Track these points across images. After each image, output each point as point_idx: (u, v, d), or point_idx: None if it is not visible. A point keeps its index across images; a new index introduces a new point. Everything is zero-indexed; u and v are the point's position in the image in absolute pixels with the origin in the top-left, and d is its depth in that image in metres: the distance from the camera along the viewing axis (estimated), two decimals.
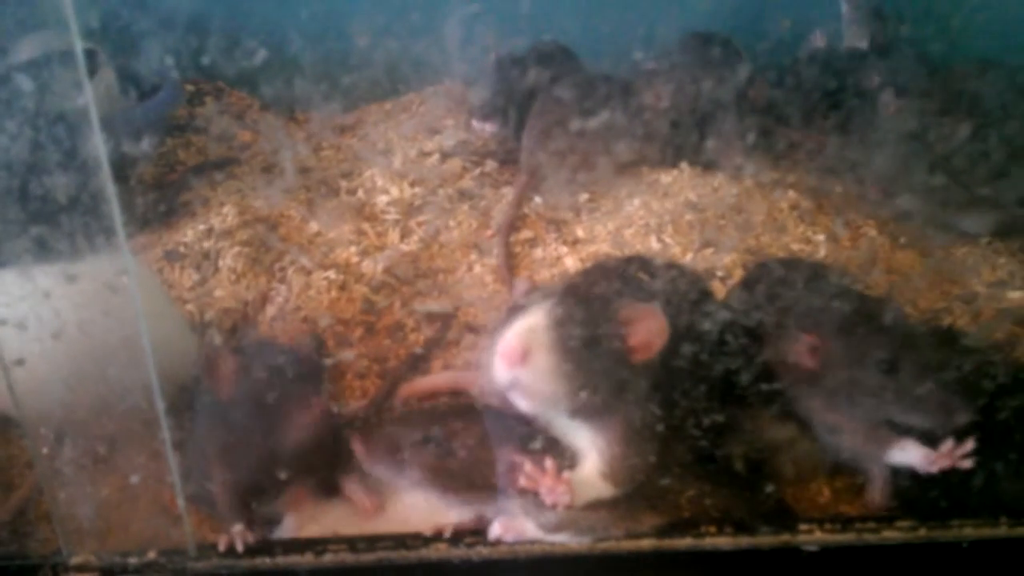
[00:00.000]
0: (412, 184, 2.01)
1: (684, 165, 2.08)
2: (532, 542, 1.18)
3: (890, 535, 1.19)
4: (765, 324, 1.27)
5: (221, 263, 1.77)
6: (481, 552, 1.19)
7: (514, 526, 1.18)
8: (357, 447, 1.22)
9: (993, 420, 1.21)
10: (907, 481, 1.23)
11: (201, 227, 1.84)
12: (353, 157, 2.16)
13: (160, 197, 1.95)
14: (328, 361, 1.22)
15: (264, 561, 1.18)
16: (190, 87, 2.36)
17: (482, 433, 1.19)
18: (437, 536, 1.20)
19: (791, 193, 1.97)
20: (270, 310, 1.70)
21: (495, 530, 1.18)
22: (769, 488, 1.27)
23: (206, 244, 1.80)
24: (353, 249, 1.83)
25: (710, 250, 1.80)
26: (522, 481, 1.11)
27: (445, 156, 2.13)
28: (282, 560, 1.18)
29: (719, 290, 1.64)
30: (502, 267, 1.81)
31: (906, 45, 2.10)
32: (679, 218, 1.89)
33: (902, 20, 2.14)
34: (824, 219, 1.92)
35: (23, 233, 1.21)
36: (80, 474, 1.23)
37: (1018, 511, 1.21)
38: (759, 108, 2.08)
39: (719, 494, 1.25)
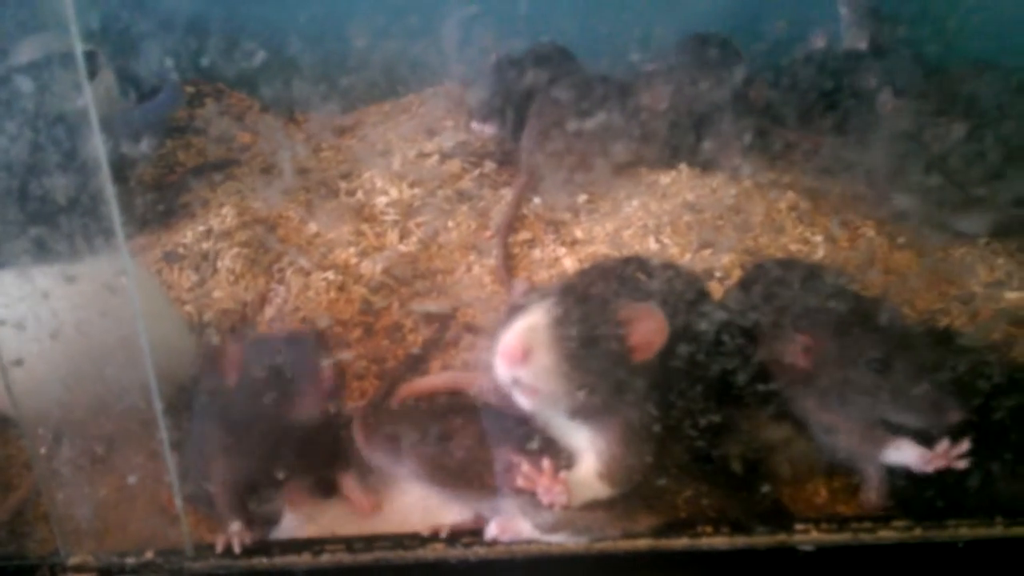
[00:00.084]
0: (411, 185, 2.01)
1: (683, 166, 2.08)
2: (529, 542, 1.18)
3: (886, 535, 1.19)
4: (762, 324, 1.27)
5: (220, 264, 1.77)
6: (478, 552, 1.19)
7: (511, 526, 1.18)
8: (358, 434, 1.22)
9: (989, 420, 1.21)
10: (903, 481, 1.24)
11: (200, 228, 1.84)
12: (352, 158, 2.16)
13: (159, 198, 1.95)
14: (326, 362, 1.21)
15: (261, 561, 1.18)
16: (190, 88, 2.36)
17: (480, 431, 1.20)
18: (434, 536, 1.20)
19: (789, 194, 1.97)
20: (269, 311, 1.71)
21: (492, 530, 1.19)
22: (765, 488, 1.27)
23: (205, 245, 1.80)
24: (352, 250, 1.84)
25: (708, 251, 1.80)
26: (519, 481, 1.11)
27: (444, 157, 2.13)
28: (279, 560, 1.18)
29: (717, 291, 1.64)
30: (501, 268, 1.81)
31: (904, 46, 2.10)
32: (677, 219, 1.89)
33: (898, 22, 2.14)
34: (822, 219, 1.92)
35: (22, 234, 1.21)
36: (78, 474, 1.23)
37: (1013, 511, 1.21)
38: (758, 109, 2.08)
39: (716, 494, 1.25)
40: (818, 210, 1.95)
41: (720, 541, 1.20)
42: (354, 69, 1.83)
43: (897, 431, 1.20)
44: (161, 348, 1.14)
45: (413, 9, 1.79)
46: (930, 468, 1.17)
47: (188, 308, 1.68)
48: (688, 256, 1.79)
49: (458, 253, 1.88)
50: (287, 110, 2.31)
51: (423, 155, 2.13)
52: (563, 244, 1.89)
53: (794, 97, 2.04)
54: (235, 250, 1.79)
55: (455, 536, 1.20)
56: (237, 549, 1.17)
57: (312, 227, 1.91)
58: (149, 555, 1.18)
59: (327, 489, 1.28)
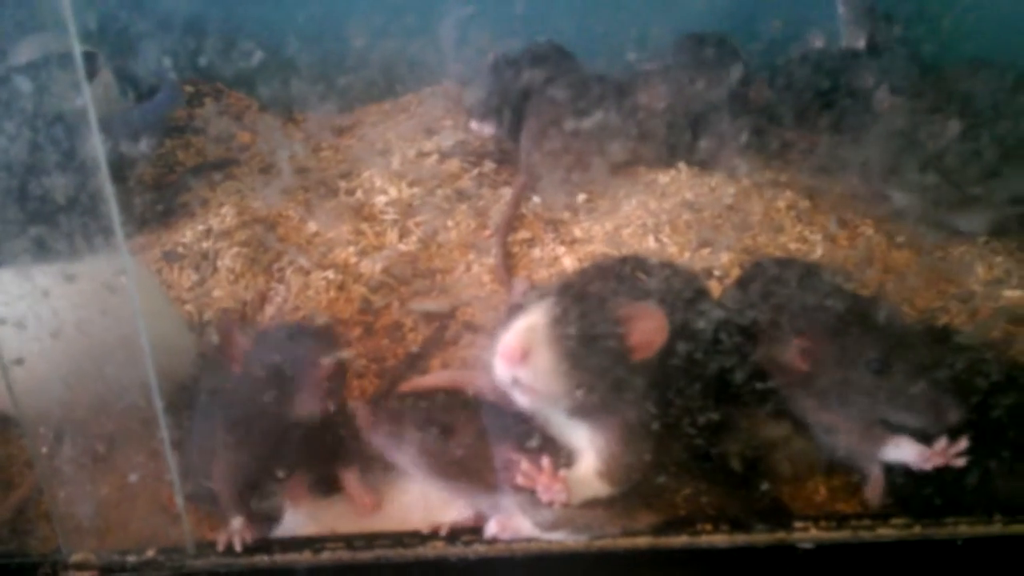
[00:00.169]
0: (410, 184, 2.02)
1: (682, 165, 2.09)
2: (529, 540, 1.19)
3: (885, 533, 1.19)
4: (760, 323, 1.27)
5: (220, 263, 1.78)
6: (478, 550, 1.19)
7: (510, 524, 1.18)
8: (363, 417, 1.22)
9: (988, 418, 1.21)
10: (902, 479, 1.24)
11: (200, 227, 1.84)
12: (351, 158, 2.16)
13: (159, 198, 1.96)
14: (328, 357, 1.21)
15: (262, 559, 1.18)
16: (189, 88, 2.36)
17: (482, 427, 1.20)
18: (434, 534, 1.20)
19: (788, 192, 1.98)
20: (269, 310, 1.71)
21: (491, 528, 1.19)
22: (765, 486, 1.27)
23: (205, 244, 1.81)
24: (351, 249, 1.84)
25: (707, 249, 1.80)
26: (519, 479, 1.12)
27: (443, 156, 2.13)
28: (280, 558, 1.19)
29: (716, 289, 1.64)
30: (500, 267, 1.81)
31: (901, 45, 2.11)
32: (677, 218, 1.90)
33: (894, 20, 2.14)
34: (821, 218, 1.93)
35: (22, 233, 1.22)
36: (79, 473, 1.23)
37: (1012, 509, 1.22)
38: (757, 108, 2.08)
39: (715, 492, 1.25)
40: (817, 209, 1.95)
41: (720, 539, 1.21)
42: (352, 69, 1.83)
43: (896, 429, 1.21)
44: (161, 347, 1.14)
45: (411, 9, 1.79)
46: (928, 466, 1.17)
47: (188, 307, 1.69)
48: (687, 255, 1.79)
49: (457, 252, 1.88)
50: (286, 110, 2.31)
51: (422, 154, 2.14)
52: (562, 243, 1.90)
53: (792, 96, 2.05)
54: (235, 249, 1.79)
55: (455, 534, 1.20)
56: (238, 547, 1.17)
57: (312, 226, 1.91)
58: (150, 553, 1.19)
59: (328, 487, 1.29)
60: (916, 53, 2.08)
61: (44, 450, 1.23)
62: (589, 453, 1.15)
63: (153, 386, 1.11)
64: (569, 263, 1.82)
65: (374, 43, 1.80)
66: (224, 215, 1.88)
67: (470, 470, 1.18)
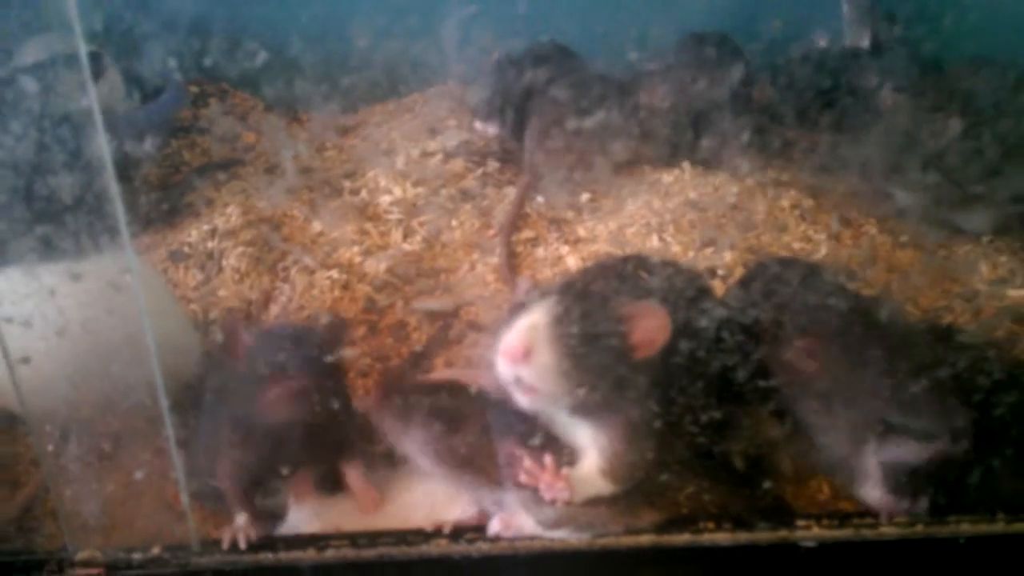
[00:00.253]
0: (415, 184, 2.02)
1: (686, 164, 2.09)
2: (532, 538, 1.19)
3: (887, 531, 1.19)
4: (763, 323, 1.28)
5: (225, 263, 1.78)
6: (481, 548, 1.19)
7: (513, 522, 1.18)
8: (373, 398, 1.22)
9: (991, 417, 1.21)
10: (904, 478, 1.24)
11: (205, 227, 1.85)
12: (356, 157, 2.17)
13: (164, 197, 1.97)
14: (329, 358, 1.22)
15: (267, 556, 1.19)
16: (194, 88, 2.37)
17: (485, 423, 1.20)
18: (438, 532, 1.21)
19: (792, 192, 1.98)
20: (273, 309, 1.72)
21: (494, 526, 1.19)
22: (767, 484, 1.28)
23: (210, 244, 1.82)
24: (356, 249, 1.84)
25: (711, 249, 1.81)
26: (522, 477, 1.12)
27: (447, 156, 2.14)
28: (284, 556, 1.19)
29: (720, 289, 1.64)
30: (504, 266, 1.82)
31: (904, 44, 2.10)
32: (680, 217, 1.90)
33: (897, 19, 2.14)
34: (825, 218, 1.92)
35: (29, 232, 1.22)
36: (85, 471, 1.24)
37: (1015, 507, 1.22)
38: (760, 107, 2.08)
39: (718, 490, 1.25)
40: (821, 208, 1.95)
41: (722, 537, 1.21)
42: (356, 69, 1.84)
43: (896, 430, 1.21)
44: (166, 346, 1.14)
45: (414, 9, 1.80)
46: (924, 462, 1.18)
47: (193, 306, 1.70)
48: (691, 254, 1.79)
49: (461, 252, 1.89)
50: (290, 110, 2.32)
51: (426, 154, 2.14)
52: (566, 242, 1.90)
53: (795, 95, 2.05)
54: (240, 249, 1.80)
55: (459, 532, 1.21)
56: (243, 545, 1.18)
57: (316, 226, 1.92)
58: (156, 550, 1.19)
59: (332, 484, 1.29)
60: (918, 52, 2.07)
61: (50, 448, 1.24)
62: (592, 451, 1.15)
63: (158, 385, 1.11)
64: (573, 262, 1.83)
65: (378, 43, 1.81)
66: (229, 215, 1.89)
67: (474, 464, 1.18)
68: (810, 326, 1.23)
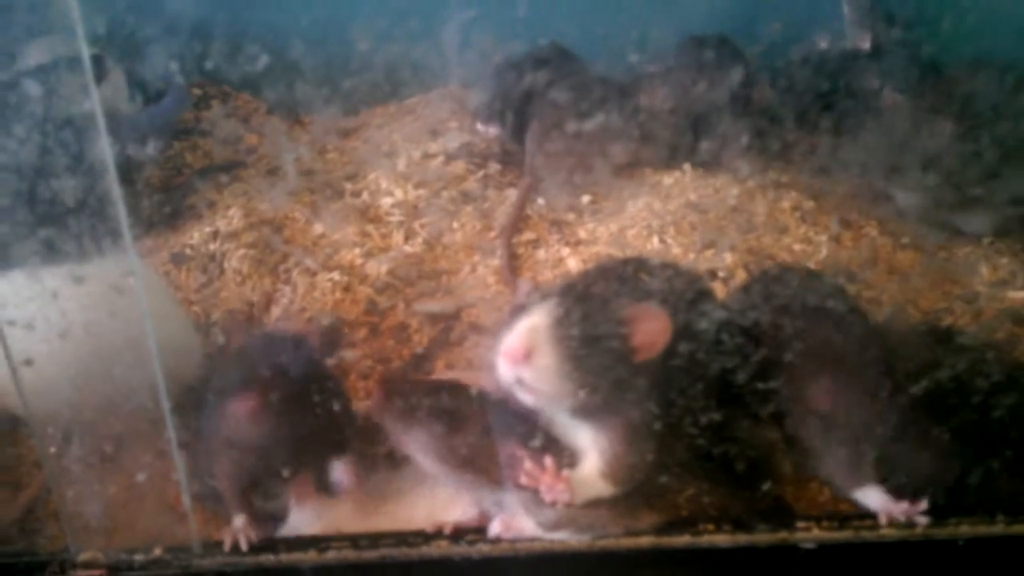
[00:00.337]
0: (416, 186, 2.02)
1: (686, 166, 2.09)
2: (532, 539, 1.19)
3: (887, 532, 1.19)
4: (764, 328, 1.28)
5: (227, 265, 1.79)
6: (481, 549, 1.20)
7: (514, 524, 1.19)
8: (375, 397, 1.22)
9: (991, 418, 1.21)
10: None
11: (207, 229, 1.86)
12: (357, 160, 2.17)
13: (166, 200, 1.97)
14: (331, 360, 1.23)
15: (268, 558, 1.19)
16: (197, 91, 2.37)
17: (486, 424, 1.20)
18: (438, 533, 1.21)
19: (792, 193, 1.98)
20: (275, 311, 1.72)
21: (495, 527, 1.20)
22: (767, 486, 1.28)
23: (212, 246, 1.82)
24: (357, 251, 1.85)
25: (711, 251, 1.81)
26: (522, 479, 1.12)
27: (449, 158, 2.14)
28: (286, 557, 1.19)
29: (720, 291, 1.65)
30: (505, 268, 1.82)
31: (904, 46, 2.11)
32: (681, 219, 1.90)
33: (896, 21, 2.14)
34: (825, 219, 1.92)
35: (32, 235, 1.23)
36: (87, 473, 1.25)
37: (1014, 509, 1.22)
38: (761, 110, 2.09)
39: (718, 492, 1.26)
40: (821, 210, 1.95)
41: (722, 539, 1.21)
42: (357, 72, 1.84)
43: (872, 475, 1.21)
44: (168, 348, 1.15)
45: (415, 12, 1.80)
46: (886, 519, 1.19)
47: (195, 309, 1.70)
48: (691, 256, 1.79)
49: (463, 254, 1.89)
50: (292, 112, 2.33)
51: (428, 156, 2.14)
52: (567, 244, 1.90)
53: (796, 97, 2.05)
54: (242, 251, 1.80)
55: (459, 533, 1.21)
56: (244, 546, 1.18)
57: (318, 228, 1.92)
58: (157, 552, 1.20)
59: (332, 486, 1.29)
60: (917, 54, 2.08)
61: (53, 450, 1.25)
62: (592, 453, 1.15)
63: (160, 387, 1.12)
64: (574, 264, 1.83)
65: (379, 47, 1.81)
66: (231, 217, 1.89)
67: (475, 466, 1.18)
68: (824, 364, 1.24)
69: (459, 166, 2.12)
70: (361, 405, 1.46)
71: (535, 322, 1.08)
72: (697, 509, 1.24)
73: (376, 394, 1.22)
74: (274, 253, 1.83)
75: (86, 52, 1.01)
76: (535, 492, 1.13)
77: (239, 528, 1.19)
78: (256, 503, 1.24)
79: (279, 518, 1.27)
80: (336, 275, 1.77)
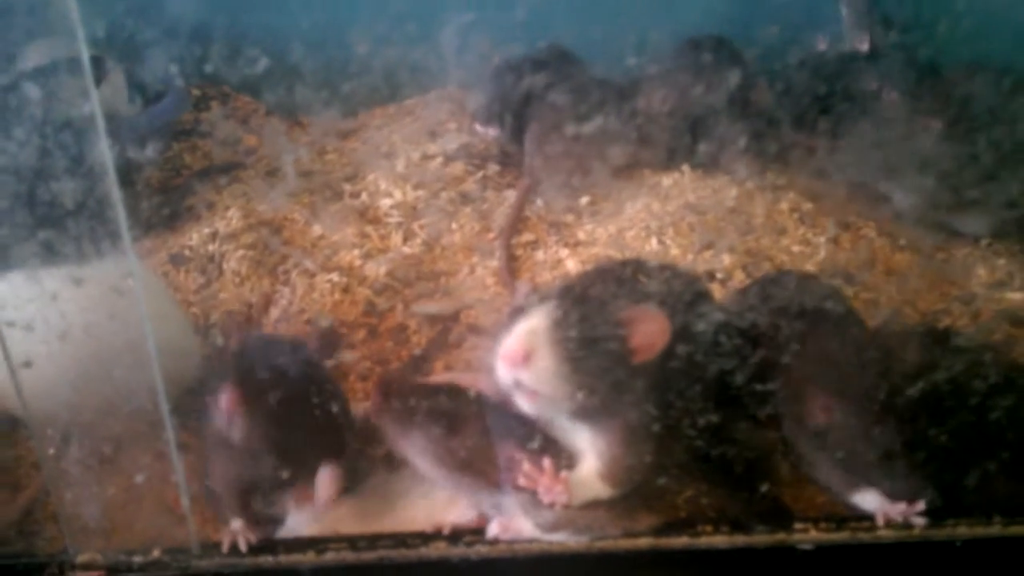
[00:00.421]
0: (415, 187, 2.03)
1: (685, 168, 2.09)
2: (530, 541, 1.19)
3: (884, 534, 1.20)
4: (763, 331, 1.29)
5: (225, 266, 1.79)
6: (480, 551, 1.20)
7: (512, 525, 1.19)
8: (372, 398, 1.22)
9: (988, 420, 1.21)
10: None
11: (206, 231, 1.86)
12: (356, 161, 2.17)
13: (165, 201, 1.97)
14: (330, 362, 1.23)
15: (267, 559, 1.19)
16: (196, 91, 2.37)
17: (484, 426, 1.20)
18: (437, 534, 1.21)
19: (791, 195, 1.98)
20: (274, 312, 1.72)
21: (493, 529, 1.20)
22: (765, 487, 1.28)
23: (211, 247, 1.82)
24: (356, 252, 1.85)
25: (710, 252, 1.81)
26: (520, 480, 1.13)
27: (447, 160, 2.14)
28: (284, 559, 1.20)
29: (719, 292, 1.65)
30: (503, 270, 1.82)
31: (903, 47, 2.11)
32: (679, 220, 1.90)
33: (893, 23, 2.15)
34: (824, 221, 1.93)
35: (31, 237, 1.23)
36: (86, 474, 1.25)
37: (1012, 510, 1.22)
38: (760, 111, 2.09)
39: (715, 494, 1.26)
40: (820, 211, 1.96)
41: (720, 540, 1.21)
42: (356, 74, 1.85)
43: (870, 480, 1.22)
44: (167, 349, 1.15)
45: (413, 16, 1.80)
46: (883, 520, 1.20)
47: (194, 310, 1.70)
48: (690, 257, 1.80)
49: (461, 255, 1.89)
50: (291, 113, 2.33)
51: (427, 157, 2.15)
52: (566, 246, 1.90)
53: (794, 99, 2.05)
54: (240, 252, 1.81)
55: (457, 535, 1.21)
56: (243, 547, 1.19)
57: (317, 229, 1.92)
58: (156, 553, 1.20)
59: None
60: (915, 56, 2.08)
61: (51, 452, 1.25)
62: (590, 455, 1.16)
63: (159, 388, 1.12)
64: (572, 265, 1.83)
65: (378, 49, 1.81)
66: (230, 218, 1.89)
67: (473, 467, 1.18)
68: (821, 367, 1.25)
69: (458, 167, 2.12)
70: (360, 407, 1.46)
71: (534, 324, 1.09)
72: (695, 510, 1.24)
73: (374, 397, 1.22)
74: (273, 254, 1.83)
75: (86, 55, 1.01)
76: (533, 493, 1.13)
77: (237, 530, 1.19)
78: (254, 504, 1.23)
79: (278, 520, 1.27)
80: (335, 276, 1.78)
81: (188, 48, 1.60)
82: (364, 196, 2.02)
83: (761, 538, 1.21)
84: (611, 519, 1.18)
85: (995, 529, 1.22)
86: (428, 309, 1.71)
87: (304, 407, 1.22)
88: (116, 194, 1.05)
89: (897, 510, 1.19)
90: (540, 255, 1.89)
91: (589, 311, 1.11)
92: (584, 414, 1.12)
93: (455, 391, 1.23)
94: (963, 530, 1.21)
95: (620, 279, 1.35)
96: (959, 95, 1.86)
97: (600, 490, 1.15)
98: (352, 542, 1.21)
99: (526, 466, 1.12)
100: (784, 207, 1.95)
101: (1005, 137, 1.72)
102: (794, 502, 1.33)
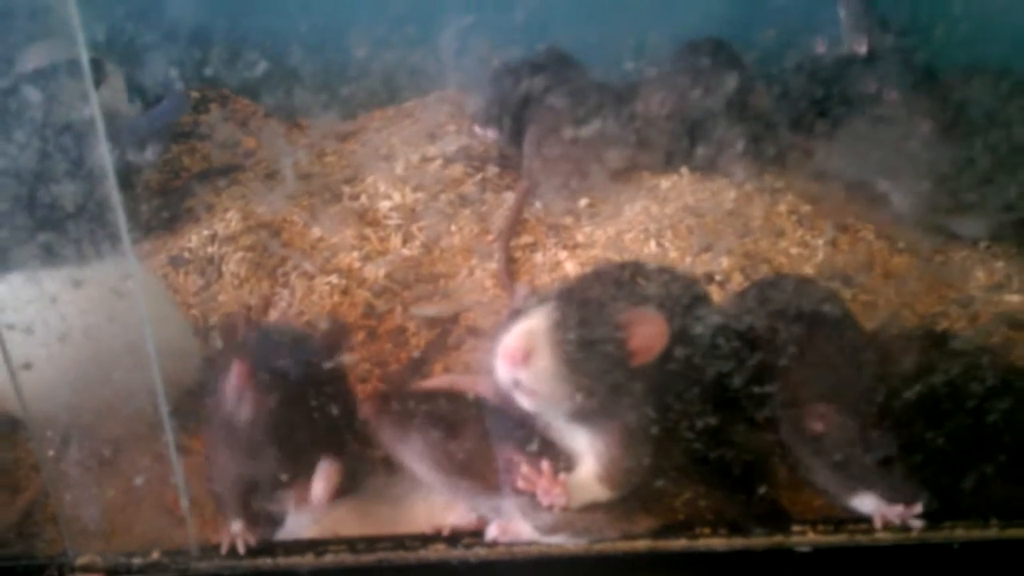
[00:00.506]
0: (414, 189, 2.03)
1: (683, 170, 2.10)
2: (529, 543, 1.20)
3: (881, 536, 1.20)
4: (762, 335, 1.29)
5: (225, 268, 1.79)
6: (479, 553, 1.20)
7: (511, 527, 1.19)
8: (370, 406, 1.23)
9: (986, 423, 1.22)
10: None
11: (205, 233, 1.86)
12: (355, 163, 2.17)
13: (165, 203, 1.98)
14: (328, 364, 1.23)
15: (266, 561, 1.20)
16: (195, 94, 2.38)
17: (483, 428, 1.21)
18: (436, 536, 1.22)
19: (789, 197, 1.99)
20: (273, 315, 1.73)
21: (492, 531, 1.20)
22: (763, 490, 1.28)
23: (210, 249, 1.82)
24: (355, 254, 1.85)
25: (708, 254, 1.81)
26: (519, 483, 1.13)
27: (447, 162, 2.14)
28: (283, 561, 1.20)
29: (717, 294, 1.66)
30: (502, 272, 1.83)
31: (901, 50, 2.11)
32: (678, 223, 1.91)
33: (891, 27, 2.15)
34: (822, 223, 1.93)
35: (31, 239, 1.23)
36: (85, 476, 1.25)
37: (1009, 513, 1.22)
38: (758, 114, 2.09)
39: (714, 496, 1.26)
40: (818, 214, 1.96)
41: (718, 542, 1.22)
42: (355, 77, 1.85)
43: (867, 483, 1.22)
44: (167, 351, 1.15)
45: (412, 18, 1.80)
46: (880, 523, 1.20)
47: (194, 312, 1.70)
48: (688, 259, 1.80)
49: (460, 257, 1.89)
50: (290, 115, 2.33)
51: (426, 160, 2.15)
52: (565, 248, 1.90)
53: (792, 102, 2.06)
54: (240, 254, 1.81)
55: (456, 537, 1.21)
56: (242, 550, 1.19)
57: (316, 231, 1.92)
58: (155, 555, 1.20)
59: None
60: (913, 60, 2.09)
61: (51, 454, 1.25)
62: (589, 457, 1.16)
63: (159, 390, 1.12)
64: (571, 268, 1.84)
65: (377, 52, 1.82)
66: (229, 220, 1.89)
67: (472, 470, 1.19)
68: (818, 371, 1.25)
69: (457, 169, 2.12)
70: (359, 409, 1.46)
71: (533, 324, 1.09)
72: (693, 513, 1.25)
73: (371, 409, 1.23)
74: (272, 256, 1.83)
75: (86, 58, 1.01)
76: (532, 496, 1.13)
77: (236, 532, 1.19)
78: (255, 502, 1.24)
79: (277, 521, 1.27)
80: (334, 278, 1.78)
81: (187, 51, 1.61)
82: (363, 198, 2.02)
83: (759, 540, 1.22)
84: (610, 521, 1.18)
85: (992, 531, 1.22)
86: (427, 311, 1.72)
87: (313, 392, 1.21)
88: (116, 196, 1.06)
89: (895, 512, 1.19)
90: (539, 257, 1.89)
91: (588, 313, 1.11)
92: (582, 416, 1.13)
93: (453, 395, 1.23)
94: (960, 532, 1.21)
95: (619, 281, 1.35)
96: (957, 98, 1.87)
97: (599, 492, 1.15)
98: (351, 544, 1.21)
99: (525, 468, 1.12)
100: (782, 209, 1.95)
101: (1003, 140, 1.72)
102: (792, 504, 1.33)
